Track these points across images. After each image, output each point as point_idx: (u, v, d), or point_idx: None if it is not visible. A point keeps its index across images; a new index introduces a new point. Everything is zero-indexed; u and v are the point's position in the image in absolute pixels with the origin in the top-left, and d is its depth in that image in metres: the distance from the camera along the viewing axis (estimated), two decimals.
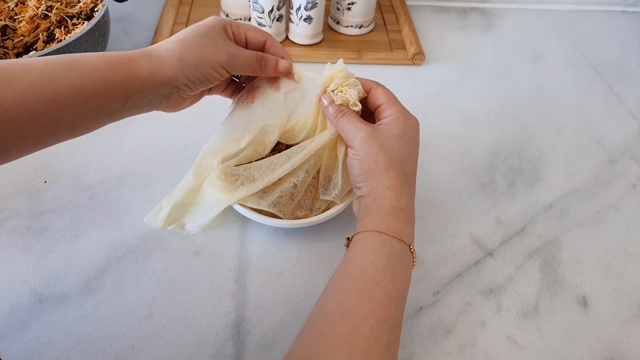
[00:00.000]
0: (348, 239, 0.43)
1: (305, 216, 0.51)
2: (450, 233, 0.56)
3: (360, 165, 0.44)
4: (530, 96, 0.77)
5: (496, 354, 0.46)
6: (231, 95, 0.53)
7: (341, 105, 0.47)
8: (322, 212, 0.51)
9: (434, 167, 0.64)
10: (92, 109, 0.39)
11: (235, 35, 0.47)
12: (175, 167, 0.60)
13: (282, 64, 0.48)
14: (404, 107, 0.47)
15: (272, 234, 0.54)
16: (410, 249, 0.41)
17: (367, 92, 0.48)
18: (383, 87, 0.48)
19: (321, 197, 0.51)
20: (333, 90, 0.47)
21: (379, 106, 0.47)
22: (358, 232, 0.41)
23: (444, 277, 0.52)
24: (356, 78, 0.48)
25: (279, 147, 0.55)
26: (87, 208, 0.54)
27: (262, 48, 0.49)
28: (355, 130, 0.44)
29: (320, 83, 0.48)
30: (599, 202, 0.61)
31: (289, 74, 0.49)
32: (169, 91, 0.43)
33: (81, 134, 0.41)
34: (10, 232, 0.51)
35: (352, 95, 0.46)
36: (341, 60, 0.48)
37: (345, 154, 0.48)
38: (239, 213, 0.50)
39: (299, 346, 0.36)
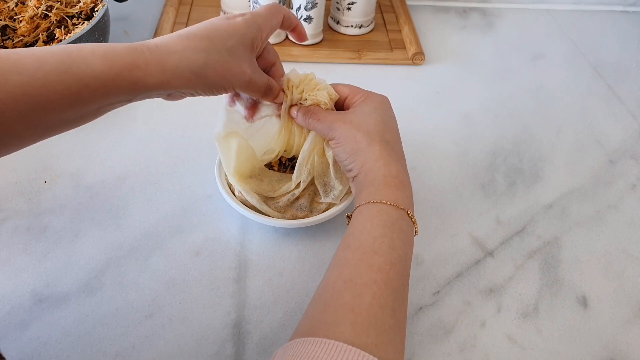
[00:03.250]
0: (348, 216, 0.44)
1: (305, 216, 0.51)
2: (450, 233, 0.56)
3: (343, 149, 0.45)
4: (530, 96, 0.77)
5: (496, 354, 0.46)
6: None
7: (307, 107, 0.47)
8: (322, 213, 0.51)
9: (434, 167, 0.64)
10: (90, 111, 0.37)
11: (258, 51, 0.44)
12: (175, 167, 0.60)
13: (280, 97, 0.47)
14: (369, 91, 0.48)
15: (272, 234, 0.54)
16: (408, 214, 0.41)
17: None
18: (342, 83, 0.49)
19: (322, 200, 0.51)
20: (306, 99, 0.47)
21: (345, 98, 0.48)
22: (355, 207, 0.42)
23: (444, 277, 0.52)
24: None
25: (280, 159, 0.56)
26: (87, 208, 0.54)
27: (270, 66, 0.47)
28: (329, 123, 0.46)
29: (287, 98, 0.48)
30: (599, 202, 0.61)
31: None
32: (172, 93, 0.41)
33: (78, 126, 0.38)
34: (10, 232, 0.51)
35: (322, 96, 0.47)
36: (294, 69, 0.48)
37: (335, 157, 0.49)
38: (239, 213, 0.50)
39: (305, 319, 0.36)
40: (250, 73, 0.42)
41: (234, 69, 0.41)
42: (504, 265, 0.53)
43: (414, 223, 0.42)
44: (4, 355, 0.36)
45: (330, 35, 0.84)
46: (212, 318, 0.46)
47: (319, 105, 0.47)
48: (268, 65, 0.47)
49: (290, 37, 0.48)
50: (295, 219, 0.51)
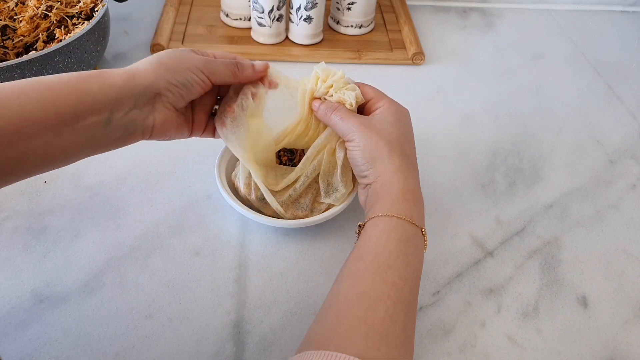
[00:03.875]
0: (360, 226, 0.43)
1: (306, 216, 0.51)
2: (450, 233, 0.56)
3: (362, 154, 0.44)
4: (530, 96, 0.77)
5: (496, 354, 0.46)
6: (215, 135, 0.49)
7: (330, 103, 0.47)
8: (322, 213, 0.51)
9: (434, 167, 0.64)
10: (67, 123, 0.35)
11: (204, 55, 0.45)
12: (175, 167, 0.60)
13: (258, 64, 0.47)
14: (392, 99, 0.48)
15: (272, 234, 0.54)
16: (422, 231, 0.41)
17: None
18: (368, 85, 0.49)
19: (322, 200, 0.51)
20: (332, 95, 0.47)
21: (368, 101, 0.48)
22: (370, 219, 0.42)
23: (444, 277, 0.52)
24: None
25: (279, 154, 0.56)
26: (87, 208, 0.54)
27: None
28: (351, 124, 0.45)
29: (307, 88, 0.47)
30: (599, 202, 0.61)
31: (264, 74, 0.47)
32: (152, 99, 0.40)
33: (59, 160, 0.37)
34: (10, 232, 0.51)
35: (350, 96, 0.46)
36: (323, 62, 0.48)
37: (345, 159, 0.49)
38: (239, 213, 0.50)
39: (316, 329, 0.36)
40: (202, 56, 0.43)
41: (185, 56, 0.42)
42: (504, 265, 0.53)
43: (425, 241, 0.42)
44: (1, 356, 0.36)
45: (330, 35, 0.84)
46: (212, 318, 0.46)
47: (343, 104, 0.47)
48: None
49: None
50: (295, 218, 0.51)
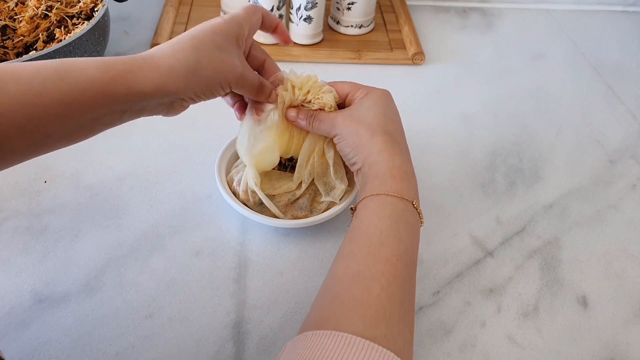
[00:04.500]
0: (352, 209, 0.44)
1: (305, 216, 0.51)
2: (450, 233, 0.56)
3: (346, 144, 0.45)
4: (530, 96, 0.77)
5: (496, 354, 0.46)
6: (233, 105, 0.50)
7: (307, 110, 0.47)
8: (322, 213, 0.51)
9: (434, 167, 0.64)
10: (87, 120, 0.36)
11: (244, 50, 0.45)
12: (175, 167, 0.60)
13: (273, 96, 0.47)
14: (370, 86, 0.48)
15: (272, 234, 0.54)
16: (414, 204, 0.41)
17: None
18: (340, 81, 0.50)
19: (323, 199, 0.51)
20: (310, 101, 0.47)
21: (346, 96, 0.49)
22: (360, 200, 0.42)
23: (444, 277, 0.52)
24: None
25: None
26: (87, 208, 0.54)
27: (261, 65, 0.48)
28: (329, 121, 0.46)
29: (286, 99, 0.47)
30: (599, 202, 0.61)
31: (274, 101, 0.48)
32: (172, 101, 0.40)
33: (75, 142, 0.38)
34: (10, 232, 0.51)
35: (329, 99, 0.47)
36: (292, 69, 0.48)
37: (335, 157, 0.50)
38: (239, 213, 0.50)
39: (314, 311, 0.37)
40: (241, 67, 0.43)
41: (226, 62, 0.41)
42: (504, 265, 0.53)
43: (419, 214, 0.42)
44: (4, 355, 0.36)
45: (330, 35, 0.84)
46: (212, 318, 0.46)
47: (323, 109, 0.47)
48: (258, 63, 0.48)
49: (276, 40, 0.49)
50: (295, 219, 0.51)
